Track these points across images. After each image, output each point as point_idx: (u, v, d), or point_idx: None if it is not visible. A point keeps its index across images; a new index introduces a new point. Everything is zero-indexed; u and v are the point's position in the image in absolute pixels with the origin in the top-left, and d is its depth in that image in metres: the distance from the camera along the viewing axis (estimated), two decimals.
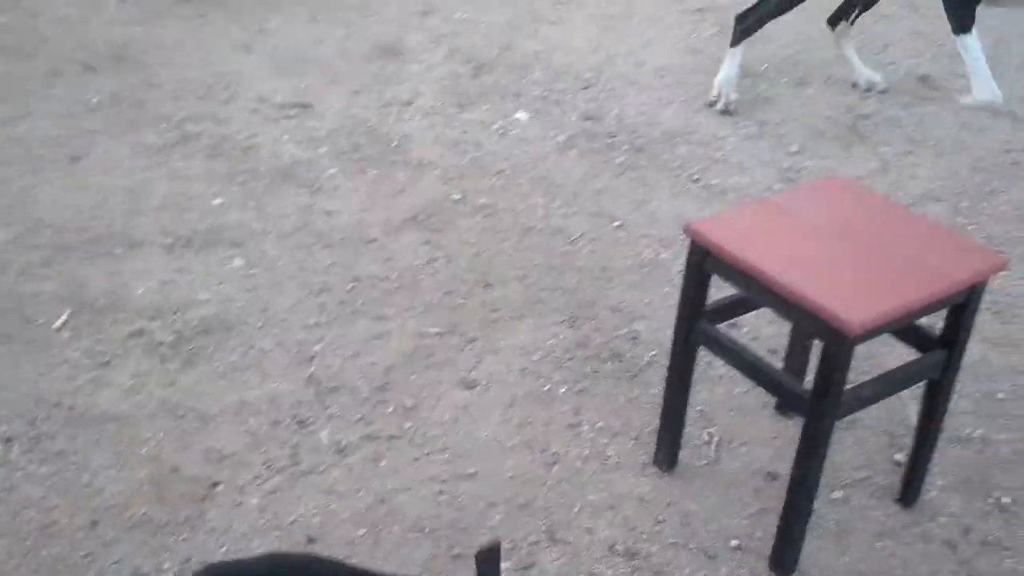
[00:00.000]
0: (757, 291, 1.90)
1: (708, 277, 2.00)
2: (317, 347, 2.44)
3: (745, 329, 2.57)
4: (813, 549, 2.02)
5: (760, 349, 2.50)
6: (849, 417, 2.34)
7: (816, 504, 2.11)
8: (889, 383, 1.97)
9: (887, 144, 3.46)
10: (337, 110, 3.49)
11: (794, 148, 3.40)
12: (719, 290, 2.02)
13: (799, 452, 1.89)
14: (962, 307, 1.95)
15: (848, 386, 1.91)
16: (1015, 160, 3.42)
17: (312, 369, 2.38)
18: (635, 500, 2.10)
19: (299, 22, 4.12)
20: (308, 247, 2.80)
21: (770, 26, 4.22)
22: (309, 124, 3.40)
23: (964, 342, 2.01)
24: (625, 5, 4.36)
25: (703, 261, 1.97)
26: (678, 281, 2.06)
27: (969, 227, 3.06)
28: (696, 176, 3.22)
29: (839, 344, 1.77)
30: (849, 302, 1.77)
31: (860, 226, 2.00)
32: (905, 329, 2.03)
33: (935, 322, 2.02)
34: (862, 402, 1.94)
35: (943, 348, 2.00)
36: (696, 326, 2.03)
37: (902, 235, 1.98)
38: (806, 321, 1.83)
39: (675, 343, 2.07)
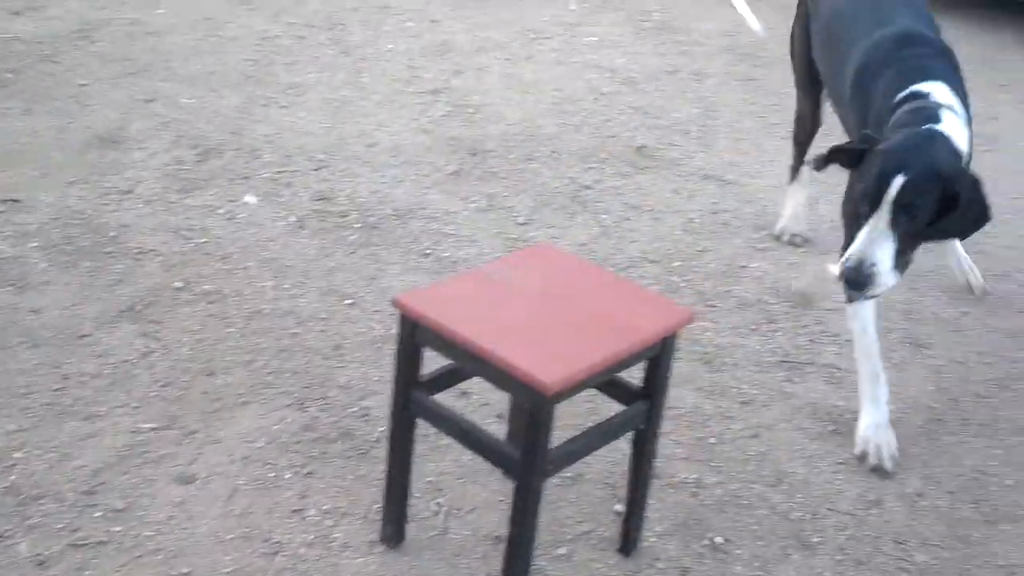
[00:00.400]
0: (463, 359, 1.95)
1: (419, 349, 2.04)
2: (18, 454, 2.29)
3: (475, 396, 2.62)
4: None
5: (489, 415, 2.56)
6: (572, 472, 2.43)
7: (541, 562, 2.18)
8: (596, 437, 2.06)
9: (607, 212, 3.67)
10: (50, 203, 3.33)
11: (521, 219, 3.54)
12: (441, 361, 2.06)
13: (513, 514, 1.93)
14: (657, 359, 2.08)
15: (558, 443, 1.99)
16: (724, 221, 3.70)
17: (12, 478, 2.22)
18: None
19: (12, 115, 3.92)
20: (11, 348, 2.64)
21: (500, 106, 4.42)
22: (18, 219, 3.22)
23: (663, 392, 2.14)
24: (358, 88, 4.44)
25: (413, 333, 2.01)
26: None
27: (681, 285, 3.28)
28: (428, 250, 3.29)
29: (539, 404, 1.84)
30: (546, 363, 1.84)
31: (561, 290, 2.10)
32: (608, 384, 2.14)
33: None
34: (571, 458, 2.02)
35: (645, 399, 2.12)
36: (412, 398, 2.06)
37: (599, 296, 2.10)
38: (508, 384, 1.89)
39: (392, 416, 2.08)
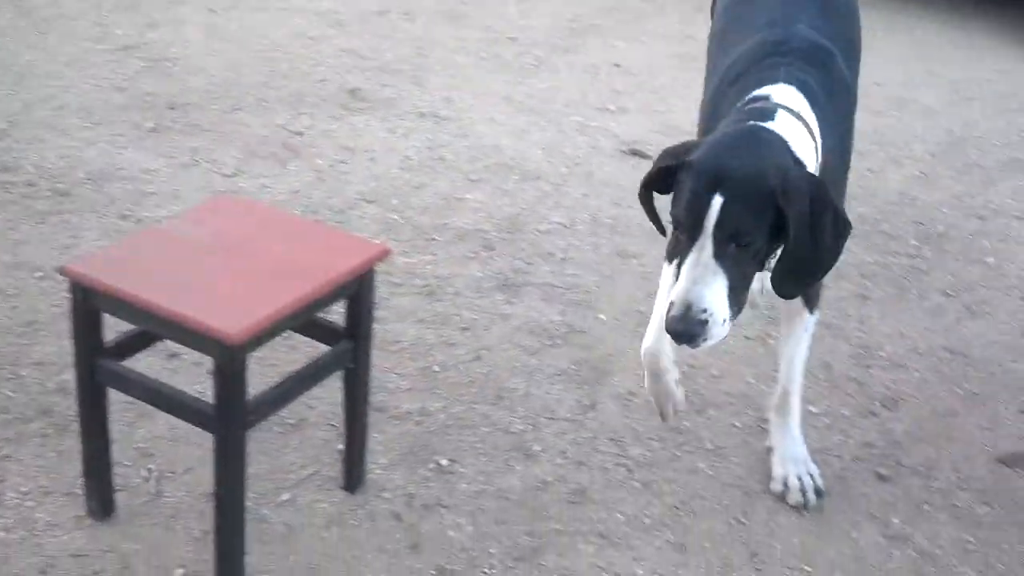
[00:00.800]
0: (145, 320, 1.87)
1: (98, 315, 1.93)
2: None
3: (186, 356, 2.53)
4: (261, 556, 2.04)
5: (202, 373, 2.48)
6: (294, 418, 2.41)
7: (264, 511, 2.15)
8: (299, 381, 2.03)
9: (321, 156, 3.61)
10: None
11: (229, 171, 3.43)
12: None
13: (217, 469, 1.88)
14: (357, 297, 2.07)
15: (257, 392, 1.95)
16: (440, 156, 3.73)
17: None
18: (68, 558, 1.98)
19: None
20: None
21: (201, 58, 4.22)
22: None
23: (368, 329, 2.13)
24: (43, 51, 4.11)
25: (86, 300, 1.90)
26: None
27: (400, 222, 3.29)
28: (127, 212, 3.12)
29: (227, 356, 1.79)
30: (228, 313, 1.79)
31: (244, 240, 2.03)
32: (310, 326, 2.12)
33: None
34: (273, 405, 1.98)
35: (349, 338, 2.11)
36: (97, 366, 1.95)
37: (286, 242, 2.05)
38: (194, 340, 1.83)
39: (79, 388, 1.98)
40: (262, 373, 2.48)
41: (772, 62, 2.10)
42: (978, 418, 2.67)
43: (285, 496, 2.20)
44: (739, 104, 2.04)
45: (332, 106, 3.98)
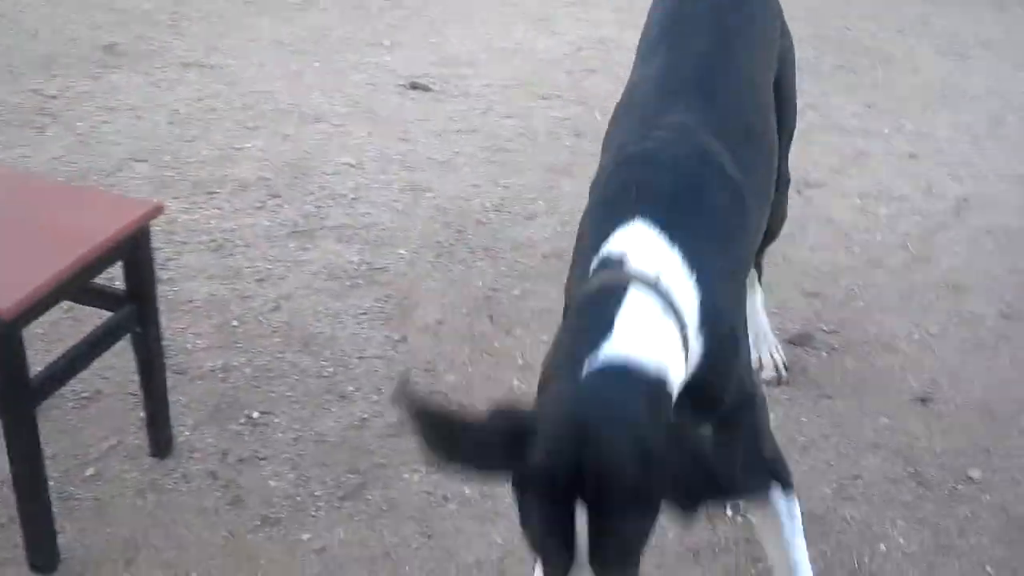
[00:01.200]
0: None
1: None
2: None
3: None
4: (75, 534, 1.95)
5: None
6: (89, 391, 2.29)
7: (70, 489, 2.05)
8: (85, 351, 1.92)
9: (81, 119, 3.39)
10: None
11: None
12: None
13: (11, 453, 1.76)
14: (134, 258, 1.96)
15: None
16: (210, 107, 3.57)
17: None
18: None
19: None
20: None
21: None
22: None
23: (150, 290, 2.02)
24: None
25: None
26: None
27: (176, 178, 3.14)
28: None
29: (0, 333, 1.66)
30: None
31: (5, 210, 1.88)
32: (88, 294, 2.00)
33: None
34: (60, 380, 1.86)
35: (132, 301, 2.00)
36: None
37: (51, 208, 1.93)
38: None
39: None
40: (48, 351, 2.33)
41: (625, 196, 1.59)
42: (767, 304, 2.83)
43: (90, 471, 2.09)
44: (595, 260, 1.54)
45: (88, 65, 3.74)
